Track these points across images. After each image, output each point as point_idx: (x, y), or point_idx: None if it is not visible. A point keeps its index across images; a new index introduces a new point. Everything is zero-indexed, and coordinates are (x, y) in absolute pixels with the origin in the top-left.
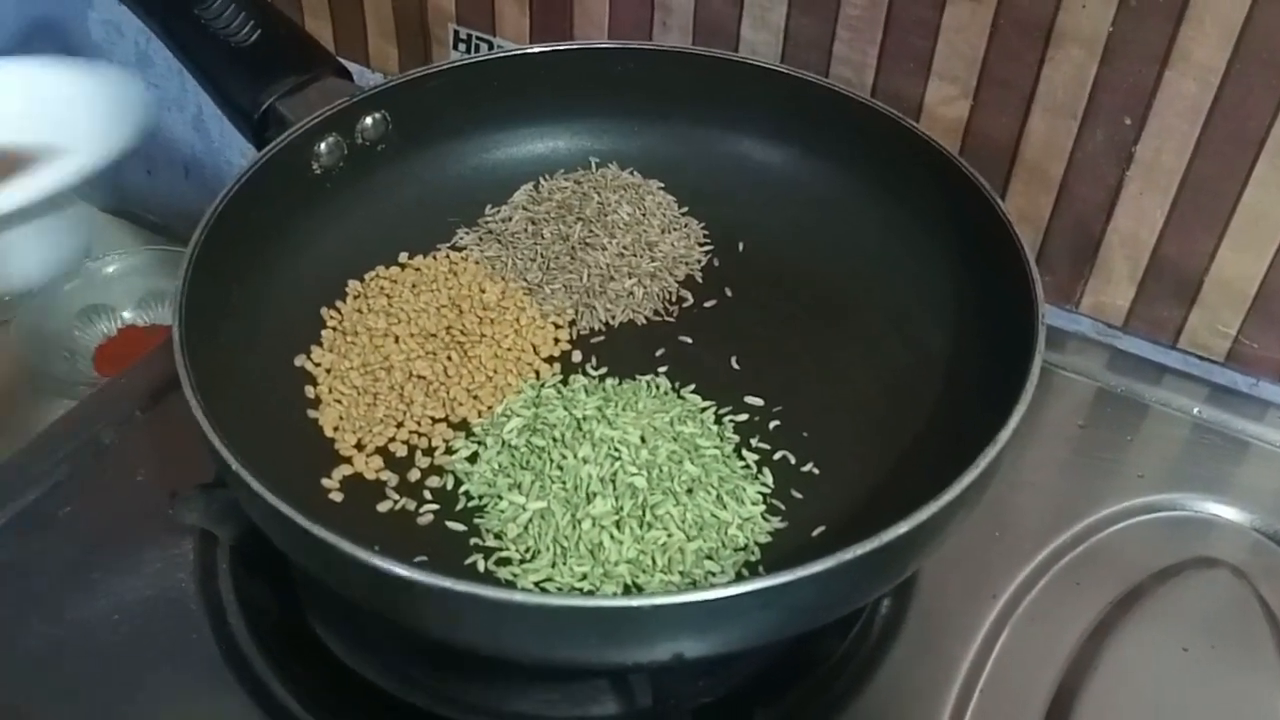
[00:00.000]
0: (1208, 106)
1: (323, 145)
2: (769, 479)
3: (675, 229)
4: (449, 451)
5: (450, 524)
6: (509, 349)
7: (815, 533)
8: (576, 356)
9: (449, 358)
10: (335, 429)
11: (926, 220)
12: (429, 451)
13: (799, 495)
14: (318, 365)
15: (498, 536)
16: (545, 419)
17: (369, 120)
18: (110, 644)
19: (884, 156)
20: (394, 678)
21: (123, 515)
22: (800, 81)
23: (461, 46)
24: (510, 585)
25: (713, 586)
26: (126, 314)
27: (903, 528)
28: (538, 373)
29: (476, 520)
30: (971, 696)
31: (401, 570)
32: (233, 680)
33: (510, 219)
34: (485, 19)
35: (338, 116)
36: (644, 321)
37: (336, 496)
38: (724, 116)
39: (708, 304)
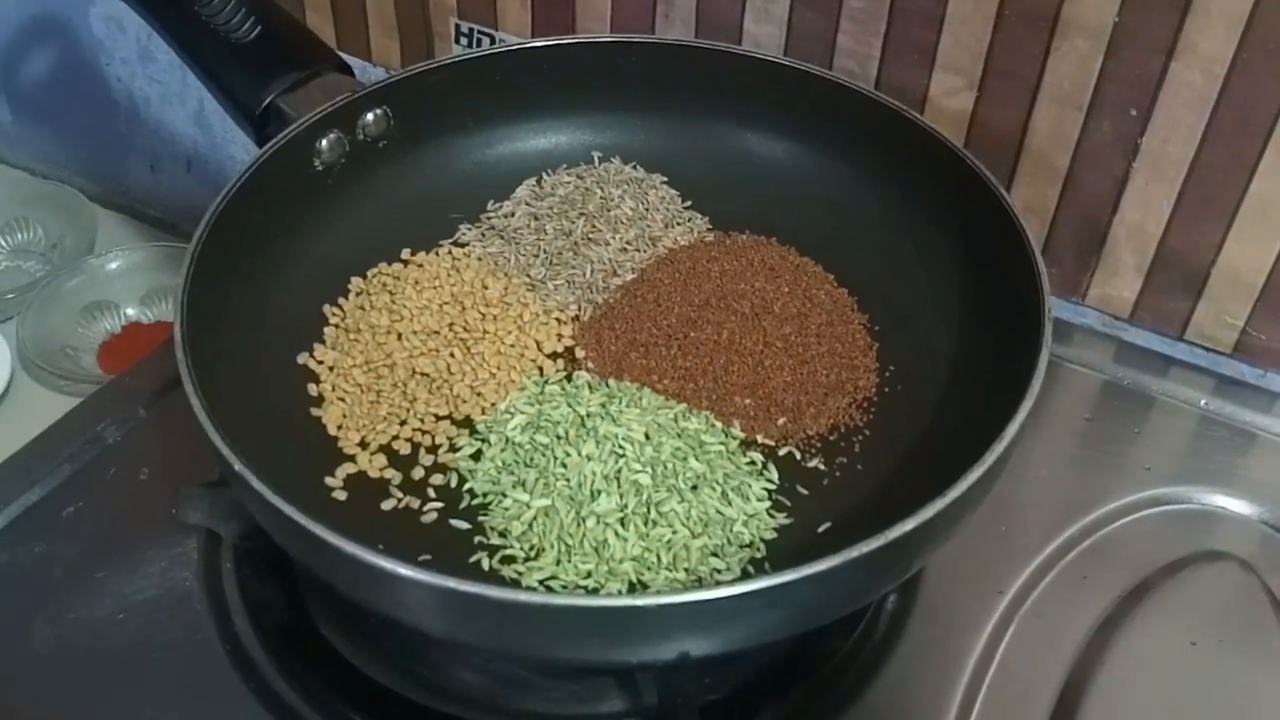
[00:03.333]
0: (1214, 97)
1: (324, 142)
2: (774, 475)
3: (679, 223)
4: (453, 449)
5: (454, 522)
6: (512, 345)
7: (821, 529)
8: (580, 353)
9: (452, 354)
10: (339, 427)
11: (931, 213)
12: (433, 449)
13: (804, 491)
14: (320, 363)
15: (502, 534)
16: (549, 416)
17: (370, 116)
18: (115, 643)
19: (888, 149)
20: (399, 675)
21: (127, 514)
22: (804, 74)
23: (464, 41)
24: (515, 584)
25: (718, 585)
26: (130, 311)
27: (909, 524)
28: (541, 369)
29: (480, 518)
30: (979, 692)
31: (405, 570)
32: (237, 679)
33: (513, 215)
34: (487, 13)
35: (339, 113)
36: None
37: (340, 495)
38: (727, 110)
39: None
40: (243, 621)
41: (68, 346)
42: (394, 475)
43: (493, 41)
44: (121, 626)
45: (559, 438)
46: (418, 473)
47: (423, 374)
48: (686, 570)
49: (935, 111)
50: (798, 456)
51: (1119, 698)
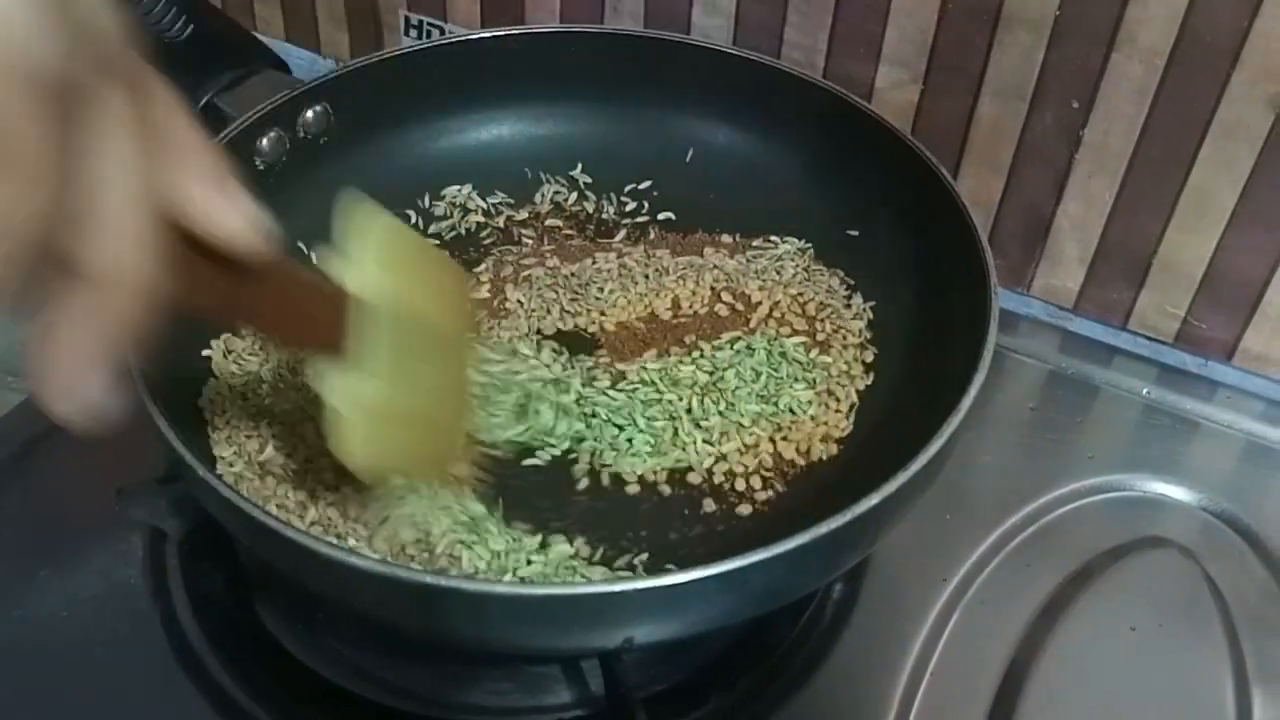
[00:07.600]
0: (1153, 89)
1: (264, 141)
2: None
3: None
4: None
5: None
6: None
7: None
8: None
9: None
10: None
11: (880, 202)
12: None
13: None
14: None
15: None
16: None
17: (310, 113)
18: (59, 640)
19: (836, 138)
20: (345, 670)
21: (71, 512)
22: (752, 63)
23: (413, 33)
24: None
25: (687, 568)
26: None
27: (861, 508)
28: None
29: None
30: (923, 678)
31: (376, 567)
32: (183, 675)
33: None
34: (436, 4)
35: (278, 111)
36: None
37: None
38: (675, 99)
39: None
40: (188, 618)
41: (18, 343)
42: None
43: (442, 33)
44: (66, 624)
45: None
46: None
47: None
48: None
49: (881, 104)
50: None
51: (1061, 681)
